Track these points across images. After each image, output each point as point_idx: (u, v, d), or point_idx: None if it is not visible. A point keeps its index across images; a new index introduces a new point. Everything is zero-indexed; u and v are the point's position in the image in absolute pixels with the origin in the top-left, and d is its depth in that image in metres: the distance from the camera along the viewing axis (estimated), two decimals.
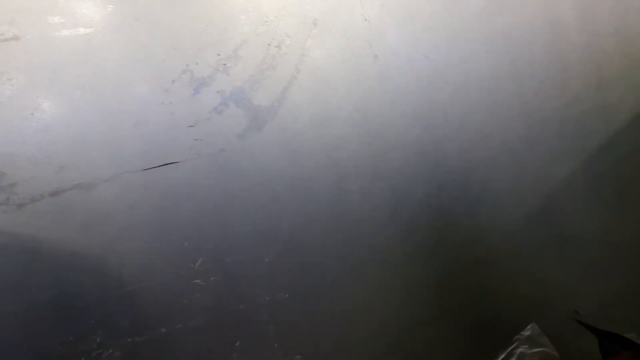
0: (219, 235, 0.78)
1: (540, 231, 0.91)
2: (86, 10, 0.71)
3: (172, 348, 0.76)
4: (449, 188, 0.87)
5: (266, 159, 0.80)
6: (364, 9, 0.83)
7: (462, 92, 0.87)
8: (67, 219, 0.72)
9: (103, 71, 0.73)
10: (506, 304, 0.90)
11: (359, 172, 0.84)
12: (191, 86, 0.77)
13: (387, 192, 0.85)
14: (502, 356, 0.76)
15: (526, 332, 0.79)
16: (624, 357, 0.74)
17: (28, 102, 0.70)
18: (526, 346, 0.77)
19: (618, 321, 0.89)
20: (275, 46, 0.80)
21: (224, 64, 0.78)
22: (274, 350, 0.80)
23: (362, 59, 0.83)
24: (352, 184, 0.83)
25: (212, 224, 0.78)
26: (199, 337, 0.78)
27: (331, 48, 0.82)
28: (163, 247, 0.76)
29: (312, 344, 0.82)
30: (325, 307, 0.83)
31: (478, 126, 0.87)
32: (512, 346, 0.76)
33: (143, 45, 0.74)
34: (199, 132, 0.77)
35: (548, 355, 0.77)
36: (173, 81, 0.76)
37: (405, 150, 0.85)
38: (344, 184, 0.83)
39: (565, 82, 0.91)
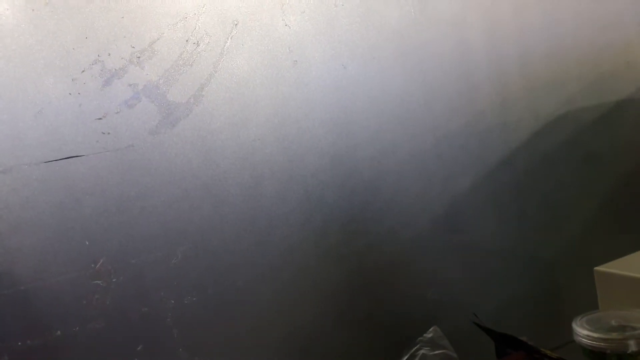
0: (123, 234, 0.75)
1: (444, 238, 0.96)
2: None
3: (68, 352, 0.72)
4: (361, 194, 0.89)
5: (178, 157, 0.78)
6: (285, 14, 0.84)
7: (376, 104, 0.90)
8: None
9: (4, 56, 0.68)
10: (413, 307, 0.93)
11: (274, 175, 0.84)
12: (102, 77, 0.74)
13: (301, 196, 0.86)
14: (406, 357, 0.78)
15: (428, 335, 0.82)
16: (517, 357, 0.79)
17: None
18: (428, 348, 0.80)
19: (513, 325, 0.95)
20: (194, 43, 0.79)
21: (138, 57, 0.76)
22: (179, 354, 0.78)
23: (282, 64, 0.84)
24: (266, 187, 0.84)
25: (117, 223, 0.75)
26: (98, 340, 0.74)
27: (251, 50, 0.82)
28: (61, 245, 0.72)
29: (219, 349, 0.81)
30: (234, 311, 0.82)
31: (389, 137, 0.91)
32: (415, 348, 0.79)
33: (52, 32, 0.71)
34: (107, 125, 0.74)
35: (448, 357, 0.80)
36: (83, 71, 0.73)
37: (320, 156, 0.87)
38: (259, 186, 0.83)
39: (471, 99, 0.97)
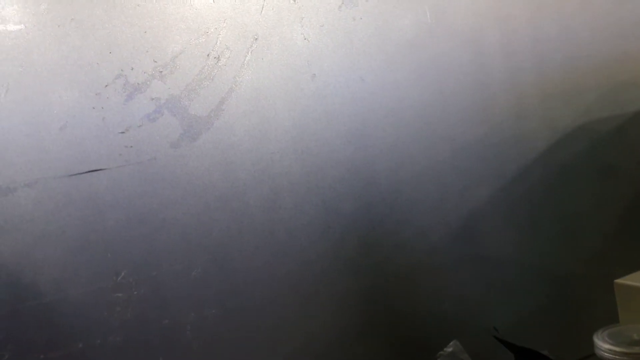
0: (144, 247, 0.76)
1: (461, 250, 0.96)
2: (17, 6, 0.68)
3: None
4: (378, 206, 0.90)
5: (199, 169, 0.79)
6: (304, 28, 0.85)
7: (394, 116, 0.91)
8: None
9: (31, 71, 0.70)
10: (430, 321, 0.93)
11: (292, 187, 0.84)
12: (124, 92, 0.75)
13: (319, 207, 0.86)
14: None
15: (449, 349, 0.82)
16: None
17: None
18: None
19: (531, 338, 0.94)
20: (215, 57, 0.80)
21: (160, 72, 0.77)
22: None
23: (301, 77, 0.85)
24: (285, 199, 0.84)
25: (138, 235, 0.76)
26: (119, 353, 0.75)
27: (271, 64, 0.83)
28: (84, 257, 0.73)
29: None
30: (253, 323, 0.82)
31: (406, 148, 0.91)
32: None
33: (76, 47, 0.72)
34: (130, 139, 0.75)
35: None
36: (106, 85, 0.74)
37: (338, 168, 0.87)
38: (277, 198, 0.84)
39: (487, 110, 0.97)
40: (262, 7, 0.83)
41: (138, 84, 0.76)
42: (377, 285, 0.90)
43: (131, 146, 0.75)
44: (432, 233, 0.94)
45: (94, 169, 0.73)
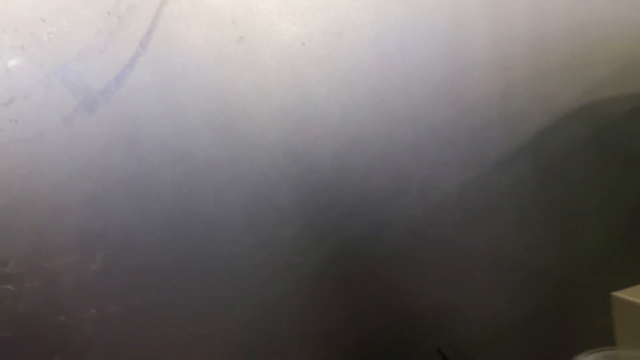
0: (34, 235, 0.67)
1: (422, 250, 0.82)
2: None
3: None
4: (319, 196, 0.77)
5: (96, 148, 0.68)
6: None
7: (341, 89, 0.76)
8: None
9: None
10: (375, 332, 0.81)
11: (213, 171, 0.73)
12: (7, 57, 0.64)
13: (247, 196, 0.74)
14: None
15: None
16: None
17: None
18: None
19: (509, 353, 0.81)
20: (117, 16, 0.68)
21: (50, 33, 0.66)
22: None
23: (225, 39, 0.72)
24: (204, 186, 0.72)
25: (27, 222, 0.67)
26: (10, 349, 0.67)
27: (187, 24, 0.70)
28: None
29: None
30: (162, 325, 0.72)
31: (356, 129, 0.77)
32: None
33: None
34: (14, 112, 0.65)
35: None
36: None
37: (270, 150, 0.74)
38: (194, 184, 0.72)
39: (462, 85, 0.81)
40: None
41: (22, 46, 0.65)
42: (314, 290, 0.78)
43: (15, 120, 0.66)
44: (387, 229, 0.80)
45: None
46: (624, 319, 0.69)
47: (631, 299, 0.68)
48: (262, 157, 0.74)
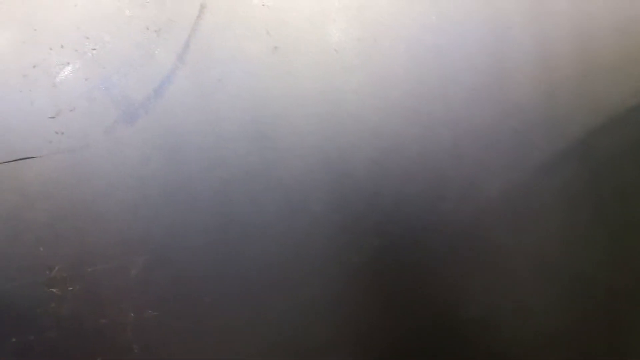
0: (78, 241, 0.70)
1: (461, 260, 0.79)
2: None
3: None
4: (354, 203, 0.76)
5: (137, 158, 0.71)
6: None
7: (376, 93, 0.75)
8: None
9: None
10: (420, 332, 0.79)
11: (249, 178, 0.74)
12: (54, 73, 0.68)
13: (281, 203, 0.75)
14: None
15: None
16: None
17: None
18: None
19: None
20: (155, 31, 0.70)
21: (93, 49, 0.69)
22: None
23: (259, 50, 0.73)
24: (239, 192, 0.73)
25: (72, 229, 0.70)
26: (55, 350, 0.71)
27: (222, 36, 0.72)
28: (15, 250, 0.69)
29: None
30: (200, 328, 0.73)
31: (392, 134, 0.76)
32: None
33: None
34: (60, 124, 0.69)
35: None
36: (34, 66, 0.68)
37: (304, 157, 0.75)
38: (231, 191, 0.73)
39: (504, 87, 0.78)
40: None
41: (68, 63, 0.68)
42: (348, 298, 0.77)
43: (62, 132, 0.69)
44: (425, 238, 0.78)
45: (23, 157, 0.68)
46: None
47: None
48: (296, 163, 0.75)
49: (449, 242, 0.79)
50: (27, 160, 0.68)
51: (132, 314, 0.72)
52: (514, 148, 0.79)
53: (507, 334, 0.82)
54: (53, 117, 0.68)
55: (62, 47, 0.68)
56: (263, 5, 0.72)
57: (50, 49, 0.68)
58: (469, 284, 0.81)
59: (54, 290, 0.70)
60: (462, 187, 0.78)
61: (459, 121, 0.77)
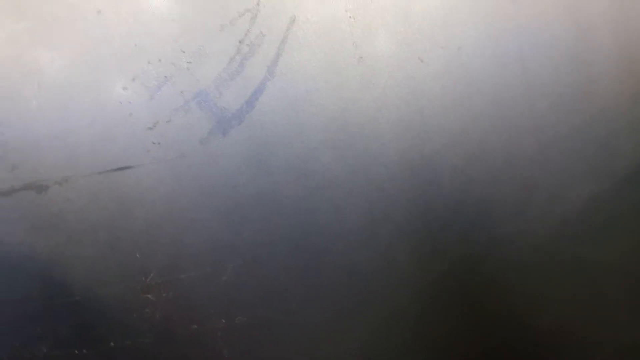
0: (173, 248, 0.72)
1: (548, 267, 0.78)
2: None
3: None
4: (439, 211, 0.76)
5: (230, 167, 0.73)
6: (349, 5, 0.74)
7: (461, 101, 0.76)
8: (16, 219, 0.69)
9: (57, 66, 0.69)
10: (502, 342, 0.78)
11: (332, 187, 0.75)
12: (152, 85, 0.71)
13: (364, 211, 0.75)
14: None
15: None
16: None
17: None
18: None
19: None
20: (247, 44, 0.73)
21: (189, 62, 0.72)
22: None
23: (346, 61, 0.74)
24: (324, 201, 0.75)
25: (167, 236, 0.72)
26: (148, 355, 0.73)
27: (311, 48, 0.74)
28: (113, 256, 0.71)
29: None
30: (286, 335, 0.74)
31: (477, 142, 0.76)
32: None
33: (102, 40, 0.70)
34: (157, 135, 0.71)
35: None
36: (133, 79, 0.71)
37: (388, 166, 0.75)
38: (314, 199, 0.74)
39: (589, 93, 0.77)
40: None
41: (165, 76, 0.71)
42: (433, 307, 0.76)
43: (159, 143, 0.72)
44: (510, 245, 0.77)
45: (122, 166, 0.71)
46: None
47: None
48: (379, 171, 0.75)
49: (533, 251, 0.78)
50: (126, 169, 0.71)
51: (223, 320, 0.74)
52: (600, 155, 0.78)
53: (589, 344, 0.80)
54: (151, 128, 0.71)
55: (159, 60, 0.71)
56: (350, 17, 0.74)
57: (149, 62, 0.71)
58: (552, 293, 0.79)
59: (149, 296, 0.72)
60: (548, 195, 0.78)
61: (544, 128, 0.77)
